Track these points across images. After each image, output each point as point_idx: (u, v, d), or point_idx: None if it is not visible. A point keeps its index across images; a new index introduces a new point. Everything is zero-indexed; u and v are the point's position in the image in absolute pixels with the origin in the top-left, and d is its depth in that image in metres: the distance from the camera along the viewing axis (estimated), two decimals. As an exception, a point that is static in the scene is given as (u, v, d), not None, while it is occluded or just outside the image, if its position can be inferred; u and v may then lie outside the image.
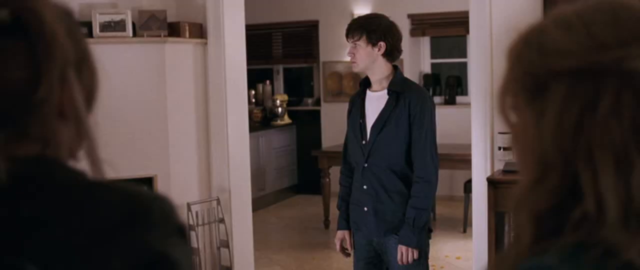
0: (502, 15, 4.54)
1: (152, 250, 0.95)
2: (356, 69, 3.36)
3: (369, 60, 3.28)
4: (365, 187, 3.33)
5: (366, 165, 3.32)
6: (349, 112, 3.48)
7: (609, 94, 0.81)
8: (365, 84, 3.40)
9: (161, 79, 5.13)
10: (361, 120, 3.36)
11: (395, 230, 3.28)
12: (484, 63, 4.62)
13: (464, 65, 8.69)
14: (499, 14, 4.56)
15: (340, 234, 3.53)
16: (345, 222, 3.51)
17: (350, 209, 3.46)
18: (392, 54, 3.31)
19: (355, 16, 8.55)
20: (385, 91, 3.30)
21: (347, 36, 3.33)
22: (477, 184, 4.70)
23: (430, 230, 3.34)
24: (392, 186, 3.28)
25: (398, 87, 3.28)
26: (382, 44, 3.26)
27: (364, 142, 3.33)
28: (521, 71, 0.90)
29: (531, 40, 0.91)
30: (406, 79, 3.39)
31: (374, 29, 3.26)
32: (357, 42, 3.26)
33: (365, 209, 3.35)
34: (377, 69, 3.30)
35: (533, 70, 0.88)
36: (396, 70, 3.36)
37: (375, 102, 3.33)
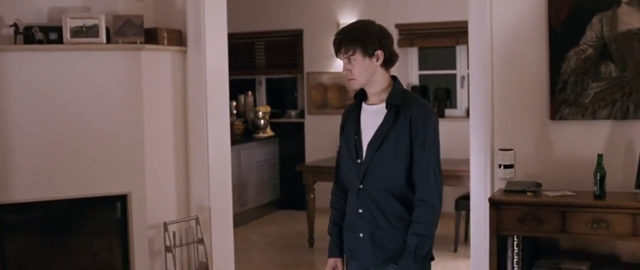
0: (503, 25, 4.26)
1: None
2: (356, 86, 3.00)
3: (368, 73, 2.94)
4: (360, 211, 3.00)
5: (362, 186, 2.98)
6: (343, 127, 3.13)
7: None
8: (361, 96, 3.07)
9: (137, 88, 4.79)
10: (356, 137, 3.02)
11: (395, 259, 2.95)
12: (484, 75, 4.32)
13: (453, 77, 8.42)
14: (499, 24, 4.26)
15: (332, 262, 3.18)
16: (338, 249, 3.16)
17: (343, 235, 3.12)
18: (391, 60, 2.98)
19: (341, 26, 8.39)
20: (384, 104, 2.97)
21: (337, 52, 2.97)
22: (477, 204, 4.40)
23: (432, 258, 3.01)
24: (391, 210, 2.95)
25: (398, 100, 2.95)
26: (379, 52, 2.94)
27: (359, 161, 2.99)
28: None
29: None
30: (406, 91, 3.05)
31: (368, 38, 2.93)
32: (353, 57, 2.93)
33: (361, 235, 3.01)
34: (376, 81, 2.97)
35: None
36: (395, 81, 3.03)
37: (372, 117, 3.00)
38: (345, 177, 3.12)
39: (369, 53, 2.91)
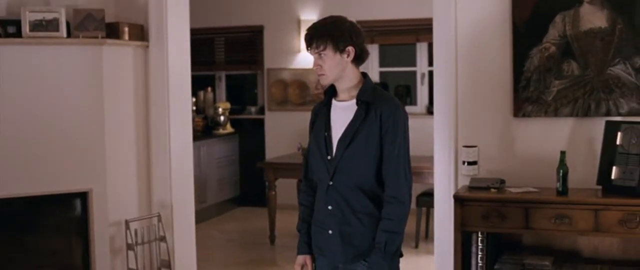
0: (467, 22, 4.28)
1: None
2: (325, 82, 2.99)
3: (338, 69, 2.94)
4: (330, 207, 2.98)
5: (331, 183, 2.97)
6: (312, 123, 3.12)
7: None
8: (331, 93, 3.06)
9: (98, 84, 4.71)
10: (326, 133, 3.01)
11: (364, 256, 2.95)
12: (448, 72, 4.35)
13: (413, 74, 8.47)
14: (464, 22, 4.29)
15: (301, 259, 3.16)
16: (307, 246, 3.15)
17: (312, 232, 3.11)
18: (361, 57, 2.99)
19: (302, 22, 8.37)
20: (354, 101, 2.97)
21: (309, 46, 2.95)
22: (441, 200, 4.41)
23: (401, 255, 3.02)
24: (360, 207, 2.94)
25: (368, 96, 2.95)
26: (350, 48, 2.94)
27: (329, 157, 2.98)
28: None
29: None
30: (376, 87, 3.05)
31: (339, 34, 2.92)
32: (323, 52, 2.91)
33: (330, 232, 2.99)
34: (347, 77, 2.97)
35: None
36: (365, 77, 3.03)
37: (342, 113, 2.99)
38: (314, 173, 3.10)
39: (339, 49, 2.90)
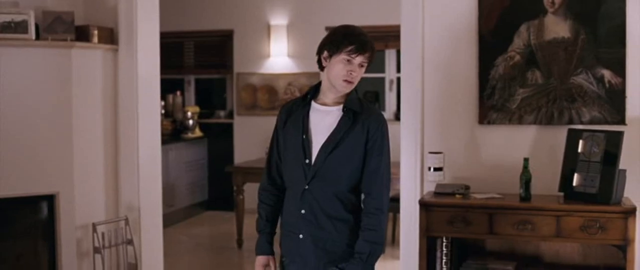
0: (435, 30, 4.35)
1: None
2: (347, 90, 2.97)
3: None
4: (303, 211, 2.96)
5: (307, 187, 2.95)
6: (284, 122, 3.05)
7: None
8: (312, 94, 3.04)
9: (66, 86, 4.70)
10: (304, 136, 2.98)
11: (336, 262, 2.95)
12: (415, 79, 4.41)
13: (381, 80, 8.54)
14: (431, 30, 4.36)
15: (263, 259, 3.10)
16: (269, 246, 3.10)
17: (282, 237, 3.10)
18: None
19: (271, 27, 8.42)
20: (339, 107, 2.96)
21: (360, 52, 2.90)
22: (407, 205, 4.47)
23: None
24: (335, 212, 2.94)
25: (356, 106, 2.96)
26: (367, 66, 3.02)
27: (307, 161, 2.95)
28: None
29: None
30: (361, 98, 3.08)
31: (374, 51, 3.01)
32: (366, 63, 2.96)
33: (301, 236, 2.97)
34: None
35: None
36: None
37: (323, 117, 2.97)
38: (288, 176, 3.04)
39: (369, 63, 2.98)
